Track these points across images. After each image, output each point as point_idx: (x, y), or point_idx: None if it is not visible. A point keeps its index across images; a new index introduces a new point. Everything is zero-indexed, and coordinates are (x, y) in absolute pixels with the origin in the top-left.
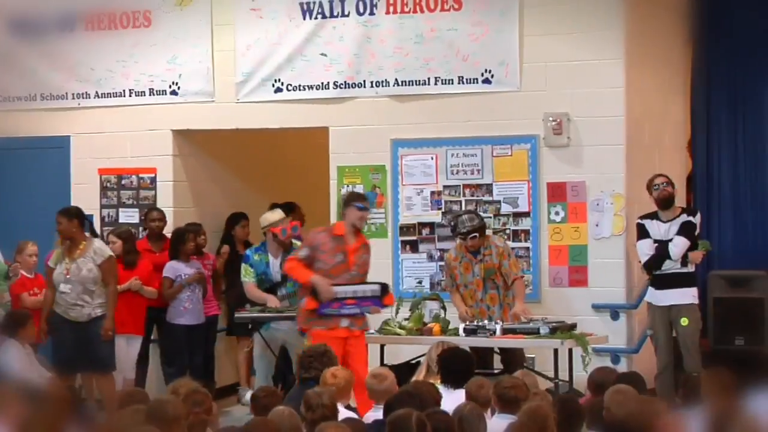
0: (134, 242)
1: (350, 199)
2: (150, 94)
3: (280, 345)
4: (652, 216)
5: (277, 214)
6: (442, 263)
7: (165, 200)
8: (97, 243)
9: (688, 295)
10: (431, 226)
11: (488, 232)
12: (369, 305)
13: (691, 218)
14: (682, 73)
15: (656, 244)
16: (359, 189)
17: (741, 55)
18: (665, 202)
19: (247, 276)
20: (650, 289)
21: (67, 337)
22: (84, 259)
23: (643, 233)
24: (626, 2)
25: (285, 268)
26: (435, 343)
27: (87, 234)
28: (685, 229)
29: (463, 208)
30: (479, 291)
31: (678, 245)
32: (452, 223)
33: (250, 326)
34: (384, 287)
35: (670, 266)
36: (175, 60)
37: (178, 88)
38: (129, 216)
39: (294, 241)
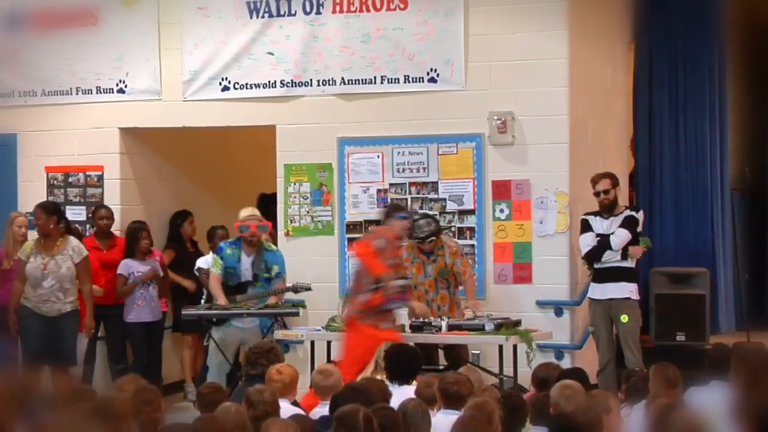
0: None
1: (392, 211)
2: (97, 92)
3: (237, 343)
4: (596, 212)
5: (247, 211)
6: None
7: (112, 198)
8: (74, 241)
9: (626, 290)
10: (377, 223)
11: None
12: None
13: (633, 213)
14: (625, 73)
15: (598, 238)
16: (306, 187)
17: (682, 55)
18: (607, 209)
19: (215, 267)
20: (591, 284)
21: (38, 331)
22: (62, 257)
23: (586, 227)
24: (570, 3)
25: (358, 251)
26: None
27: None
28: (628, 223)
29: (410, 206)
30: (431, 291)
31: (619, 236)
32: (408, 228)
33: (212, 321)
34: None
35: (609, 258)
36: (122, 58)
37: (125, 86)
38: (76, 214)
39: (264, 241)
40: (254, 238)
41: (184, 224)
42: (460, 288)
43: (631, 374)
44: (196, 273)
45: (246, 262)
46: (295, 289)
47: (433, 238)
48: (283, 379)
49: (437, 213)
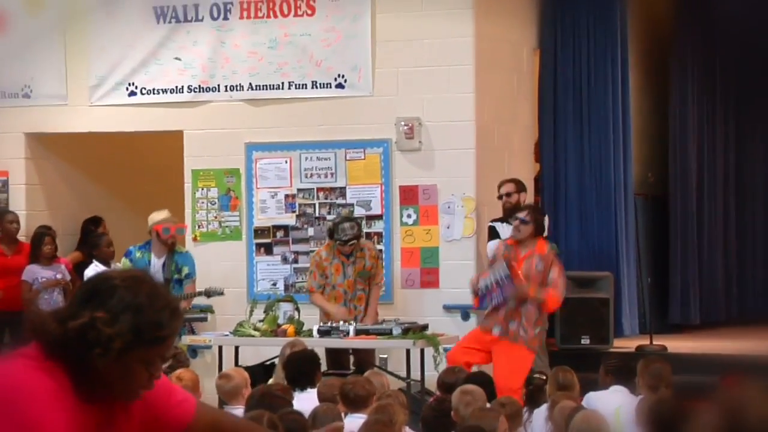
0: None
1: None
2: (1, 97)
3: None
4: (503, 219)
5: (163, 214)
6: (298, 265)
7: (17, 204)
8: None
9: None
10: (285, 228)
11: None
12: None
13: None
14: (530, 79)
15: None
16: (213, 192)
17: (586, 62)
18: (510, 212)
19: None
20: None
21: None
22: None
23: (493, 234)
24: (476, 10)
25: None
26: (286, 343)
27: None
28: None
29: (317, 212)
30: (350, 292)
31: None
32: (330, 229)
33: None
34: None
35: None
36: (26, 62)
37: (31, 90)
38: None
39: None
40: (173, 240)
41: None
42: None
43: (529, 381)
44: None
45: (156, 265)
46: (208, 294)
47: (355, 241)
48: (185, 385)
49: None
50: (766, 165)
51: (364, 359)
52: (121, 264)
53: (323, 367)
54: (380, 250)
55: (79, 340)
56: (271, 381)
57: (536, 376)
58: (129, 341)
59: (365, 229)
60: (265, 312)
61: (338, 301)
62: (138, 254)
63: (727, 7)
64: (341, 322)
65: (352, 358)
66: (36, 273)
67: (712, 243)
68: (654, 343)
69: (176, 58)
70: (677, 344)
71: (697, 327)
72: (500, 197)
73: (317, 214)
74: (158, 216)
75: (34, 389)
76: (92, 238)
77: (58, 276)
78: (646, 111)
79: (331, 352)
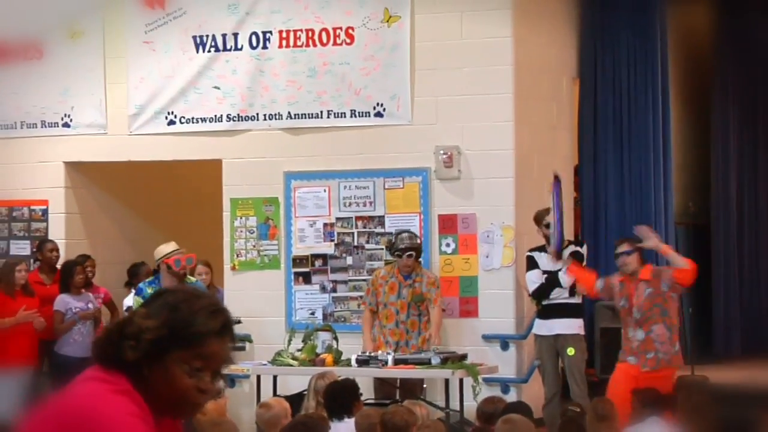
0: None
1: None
2: (42, 126)
3: None
4: (542, 248)
5: (171, 246)
6: (337, 294)
7: (57, 232)
8: None
9: (573, 326)
10: (324, 257)
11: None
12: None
13: (578, 248)
14: (570, 108)
15: (545, 275)
16: (252, 221)
17: (626, 91)
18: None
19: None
20: (537, 320)
21: None
22: None
23: (532, 264)
24: (515, 38)
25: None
26: (316, 374)
27: None
28: (574, 259)
29: (356, 241)
30: (402, 313)
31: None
32: (391, 241)
33: None
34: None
35: (557, 296)
36: (67, 92)
37: (71, 120)
38: (20, 248)
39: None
40: (184, 271)
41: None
42: None
43: (566, 411)
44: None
45: None
46: None
47: (413, 252)
48: (209, 418)
49: (383, 248)
50: None
51: (410, 389)
52: (133, 303)
53: (371, 395)
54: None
55: (119, 334)
56: (302, 411)
57: (570, 408)
58: (162, 336)
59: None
60: (303, 341)
61: (389, 321)
62: (149, 290)
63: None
64: (380, 351)
65: (398, 390)
66: (68, 303)
67: (753, 272)
68: (695, 373)
69: (215, 87)
70: (719, 375)
71: (739, 357)
72: (545, 226)
73: (356, 243)
74: (166, 248)
75: (122, 414)
76: (132, 267)
77: (90, 306)
78: (687, 139)
79: (379, 381)
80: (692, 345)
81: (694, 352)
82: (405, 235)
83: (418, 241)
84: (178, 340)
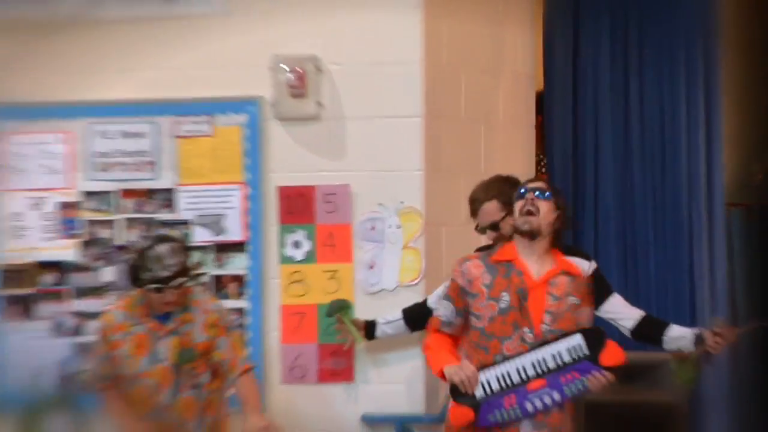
0: None
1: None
2: None
3: None
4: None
5: None
6: None
7: None
8: None
9: None
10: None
11: None
12: (577, 377)
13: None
14: None
15: None
16: None
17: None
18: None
19: None
20: None
21: None
22: None
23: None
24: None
25: (423, 347)
26: None
27: None
28: None
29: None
30: (164, 388)
31: None
32: (131, 265)
33: None
34: (592, 334)
35: None
36: None
37: None
38: None
39: None
40: None
41: None
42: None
43: None
44: None
45: None
46: None
47: (182, 279)
48: None
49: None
50: None
51: None
52: None
53: None
54: (235, 312)
55: None
56: None
57: None
58: None
59: (206, 270)
60: None
61: (144, 405)
62: None
63: None
64: None
65: None
66: None
67: None
68: None
69: None
70: None
71: None
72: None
73: (118, 241)
74: None
75: None
76: None
77: None
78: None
79: None
80: None
81: None
82: (163, 249)
83: (184, 254)
84: None
